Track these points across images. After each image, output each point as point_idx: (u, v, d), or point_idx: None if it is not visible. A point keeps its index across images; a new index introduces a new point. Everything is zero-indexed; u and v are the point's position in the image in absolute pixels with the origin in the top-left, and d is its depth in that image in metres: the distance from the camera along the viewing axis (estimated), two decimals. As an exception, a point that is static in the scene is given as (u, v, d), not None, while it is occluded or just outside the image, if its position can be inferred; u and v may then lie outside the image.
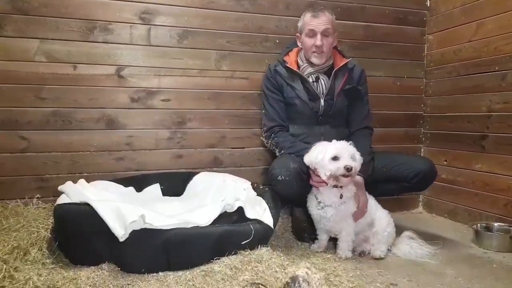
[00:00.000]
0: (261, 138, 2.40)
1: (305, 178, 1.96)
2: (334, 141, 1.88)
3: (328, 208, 1.89)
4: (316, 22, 2.10)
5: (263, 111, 2.32)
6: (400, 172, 2.09)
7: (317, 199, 1.94)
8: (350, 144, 1.87)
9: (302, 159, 1.99)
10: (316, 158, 1.84)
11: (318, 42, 2.10)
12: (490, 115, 2.41)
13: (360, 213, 1.94)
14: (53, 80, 2.18)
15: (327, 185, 1.87)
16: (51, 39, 2.16)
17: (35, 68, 2.15)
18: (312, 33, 2.12)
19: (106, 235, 1.55)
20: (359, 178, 1.95)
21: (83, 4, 2.20)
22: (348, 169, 1.77)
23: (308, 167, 1.95)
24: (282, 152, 2.13)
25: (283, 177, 1.90)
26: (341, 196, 1.87)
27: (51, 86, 2.18)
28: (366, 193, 2.00)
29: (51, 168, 2.20)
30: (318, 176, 1.88)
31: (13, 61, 2.11)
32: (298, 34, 2.23)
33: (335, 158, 1.80)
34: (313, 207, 1.96)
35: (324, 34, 2.11)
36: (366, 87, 2.32)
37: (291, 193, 1.96)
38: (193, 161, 2.45)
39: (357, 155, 1.86)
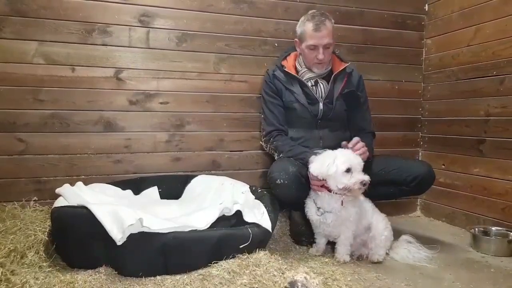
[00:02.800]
0: (260, 142, 2.40)
1: (304, 182, 1.96)
2: (340, 150, 1.89)
3: (328, 214, 1.89)
4: (319, 36, 2.08)
5: (262, 116, 2.33)
6: (399, 176, 2.09)
7: (316, 204, 1.93)
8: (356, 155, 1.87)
9: (301, 163, 1.99)
10: (328, 171, 1.82)
11: (321, 56, 2.11)
12: (488, 119, 2.41)
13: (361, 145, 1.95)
14: (51, 82, 2.17)
15: (328, 191, 1.87)
16: (50, 41, 2.16)
17: (33, 70, 2.14)
18: (314, 47, 2.12)
19: (104, 239, 1.54)
20: None
21: (82, 7, 2.20)
22: (365, 184, 1.79)
23: (307, 170, 1.95)
24: (281, 155, 2.13)
25: (282, 181, 1.91)
26: (342, 203, 1.88)
27: (49, 88, 2.17)
28: (363, 196, 2.00)
29: (48, 171, 2.19)
30: (321, 180, 1.88)
31: (11, 63, 2.11)
32: (297, 40, 2.22)
33: (348, 171, 1.81)
34: (312, 212, 1.95)
35: (326, 47, 2.11)
36: (365, 94, 2.35)
37: (290, 196, 1.97)
38: (192, 164, 2.44)
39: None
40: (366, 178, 1.80)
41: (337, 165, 1.81)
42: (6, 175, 2.13)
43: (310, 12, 2.16)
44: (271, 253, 1.76)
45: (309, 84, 2.21)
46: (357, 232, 1.94)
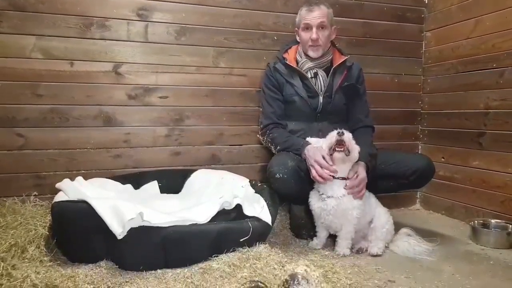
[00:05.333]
0: (258, 136, 2.40)
1: (303, 176, 1.96)
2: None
3: (330, 199, 1.88)
4: (311, 16, 2.13)
5: (261, 109, 2.33)
6: (398, 169, 2.09)
7: (319, 192, 1.93)
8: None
9: (296, 154, 2.00)
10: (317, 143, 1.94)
11: (314, 36, 2.12)
12: (487, 112, 2.41)
13: (358, 183, 1.89)
14: (50, 77, 2.16)
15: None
16: (48, 36, 2.14)
17: (32, 65, 2.13)
18: (307, 27, 2.14)
19: (104, 233, 1.54)
20: (361, 162, 1.95)
21: (80, 1, 2.18)
22: (340, 133, 1.82)
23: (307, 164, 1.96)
24: (278, 148, 2.13)
25: (281, 175, 1.91)
26: (345, 186, 1.88)
27: (48, 83, 2.16)
28: (367, 191, 2.00)
29: (48, 166, 2.19)
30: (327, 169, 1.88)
31: (9, 58, 2.09)
32: (296, 29, 2.25)
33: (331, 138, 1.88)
34: (315, 200, 1.95)
35: (320, 27, 2.12)
36: (364, 86, 2.34)
37: (289, 190, 1.97)
38: (191, 158, 2.44)
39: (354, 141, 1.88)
40: (341, 129, 1.84)
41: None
42: (6, 170, 2.13)
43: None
44: (271, 247, 1.77)
45: (309, 75, 2.20)
46: (359, 227, 1.94)
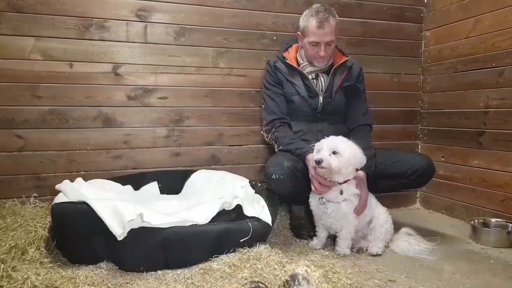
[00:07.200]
0: (261, 132, 2.37)
1: (299, 176, 1.96)
2: (330, 136, 1.89)
3: (329, 203, 1.89)
4: (321, 33, 2.06)
5: (263, 106, 2.31)
6: (399, 169, 2.09)
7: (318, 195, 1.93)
8: (349, 139, 1.87)
9: (298, 158, 2.00)
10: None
11: (322, 53, 2.11)
12: (487, 111, 2.41)
13: (361, 207, 1.91)
14: (49, 78, 2.16)
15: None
16: (47, 37, 2.14)
17: (31, 66, 2.13)
18: (316, 44, 2.10)
19: (104, 234, 1.54)
20: (361, 173, 1.94)
21: (79, 1, 2.18)
22: (317, 161, 1.78)
23: (304, 166, 1.96)
24: (280, 147, 2.13)
25: (277, 176, 1.91)
26: (341, 192, 1.87)
27: (47, 84, 2.16)
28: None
29: (48, 167, 2.19)
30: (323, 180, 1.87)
31: (8, 59, 2.09)
32: (299, 33, 2.20)
33: (318, 151, 1.84)
34: (315, 202, 1.95)
35: (328, 44, 2.10)
36: (364, 85, 2.34)
37: (285, 191, 1.97)
38: (191, 159, 2.44)
39: (348, 150, 1.82)
40: (318, 156, 1.79)
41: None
42: (6, 172, 2.13)
43: (315, 6, 2.13)
44: (272, 247, 1.77)
45: (310, 77, 2.20)
46: (359, 227, 1.94)
